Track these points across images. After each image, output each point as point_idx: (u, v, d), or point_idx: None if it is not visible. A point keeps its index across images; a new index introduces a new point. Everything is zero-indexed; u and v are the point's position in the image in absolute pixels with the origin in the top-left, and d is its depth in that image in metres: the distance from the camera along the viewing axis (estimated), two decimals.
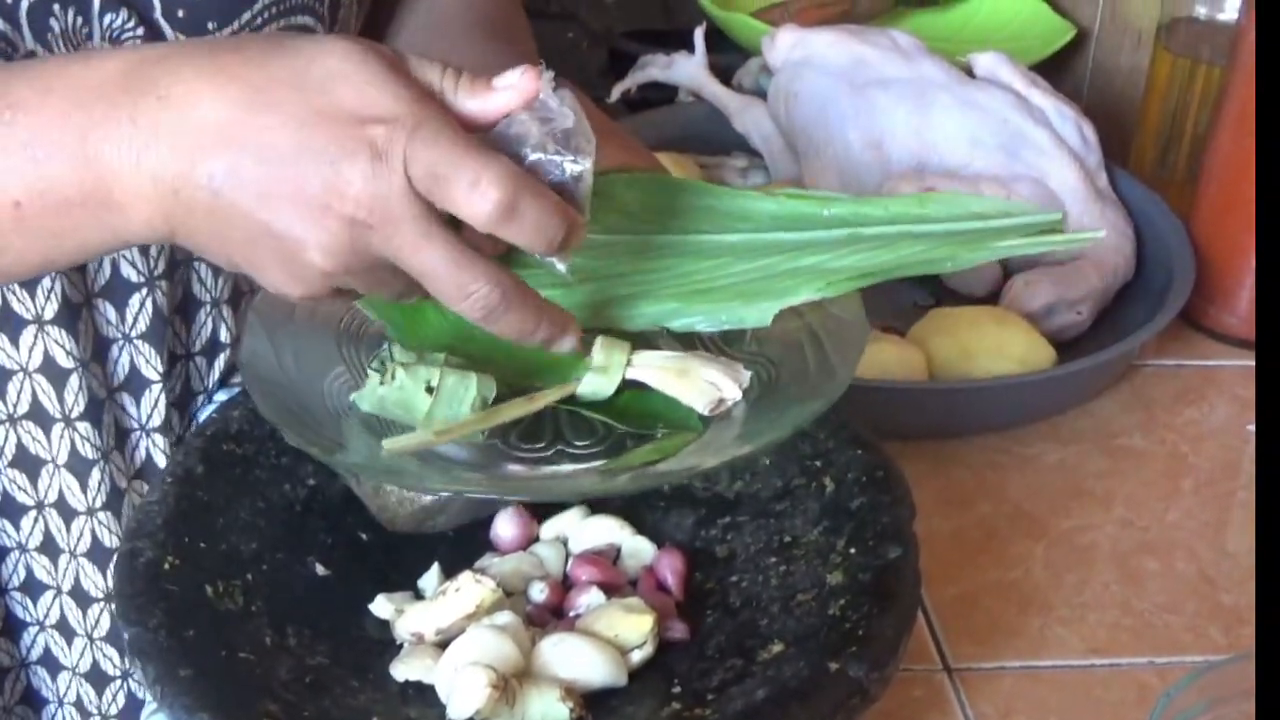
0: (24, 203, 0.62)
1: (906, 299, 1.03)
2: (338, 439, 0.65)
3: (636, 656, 0.69)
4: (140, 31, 0.76)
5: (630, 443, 0.67)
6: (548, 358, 0.66)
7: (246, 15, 0.78)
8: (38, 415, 0.82)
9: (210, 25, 0.78)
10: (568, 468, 0.66)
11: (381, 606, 0.72)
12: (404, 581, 0.74)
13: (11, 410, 0.82)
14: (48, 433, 0.83)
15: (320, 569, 0.74)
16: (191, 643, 0.66)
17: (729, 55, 1.21)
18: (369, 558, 0.75)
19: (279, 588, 0.72)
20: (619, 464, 0.66)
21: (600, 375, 0.67)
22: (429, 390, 0.65)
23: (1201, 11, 1.12)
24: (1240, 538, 0.86)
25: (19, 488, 0.84)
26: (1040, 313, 0.97)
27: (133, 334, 0.83)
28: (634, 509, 0.78)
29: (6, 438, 0.82)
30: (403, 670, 0.69)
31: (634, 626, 0.69)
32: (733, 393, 0.67)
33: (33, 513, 0.85)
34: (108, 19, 0.75)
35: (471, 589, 0.70)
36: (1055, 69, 1.27)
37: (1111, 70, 1.29)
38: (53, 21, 0.74)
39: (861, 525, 0.72)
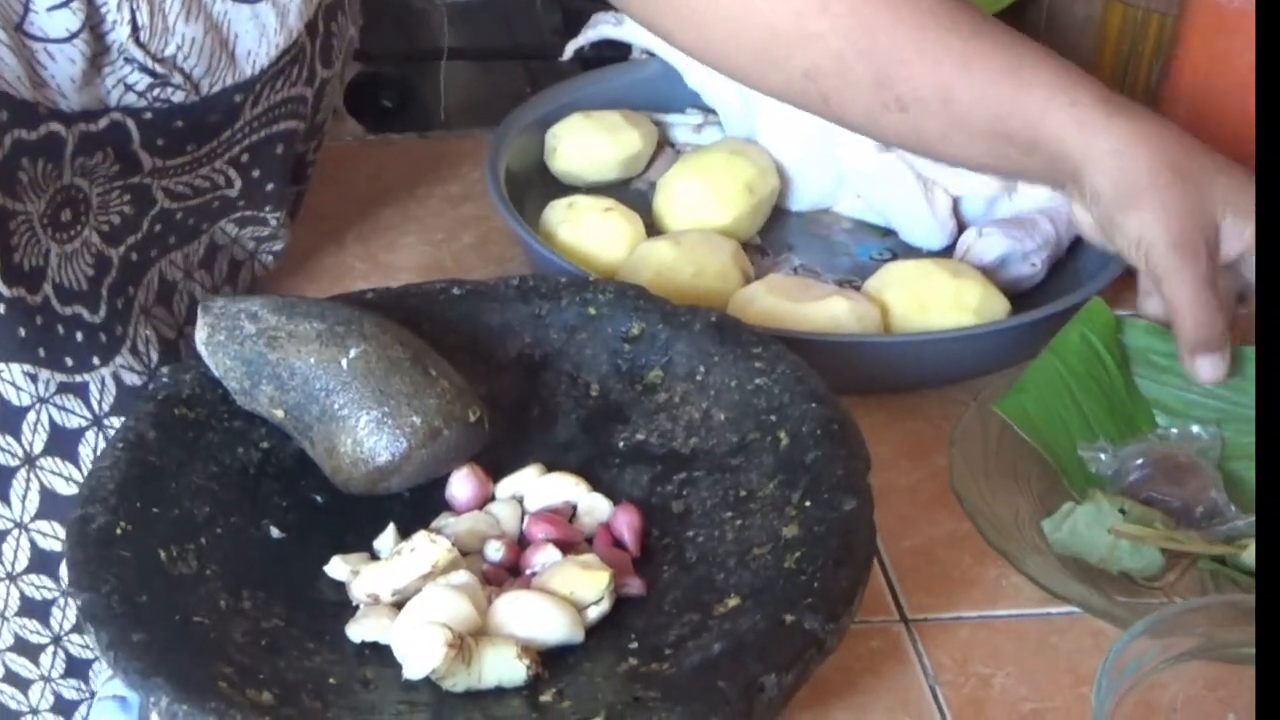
0: None
1: (862, 253, 1.03)
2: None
3: (593, 613, 0.69)
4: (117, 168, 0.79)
5: None
6: None
7: (226, 133, 0.81)
8: (22, 648, 0.86)
9: (189, 147, 0.80)
10: None
11: (337, 568, 0.72)
12: (359, 543, 0.74)
13: None
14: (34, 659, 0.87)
15: (275, 531, 0.74)
16: (145, 607, 0.65)
17: None
18: (324, 520, 0.75)
19: (233, 551, 0.71)
20: None
21: None
22: (1121, 511, 0.76)
23: None
24: None
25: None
26: (995, 264, 0.97)
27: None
28: (590, 466, 0.78)
29: None
30: (359, 631, 0.69)
31: (590, 583, 0.69)
32: None
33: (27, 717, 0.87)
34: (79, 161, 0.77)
35: (427, 549, 0.70)
36: (1010, 20, 1.26)
37: (1065, 21, 1.29)
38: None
39: (817, 479, 0.72)
